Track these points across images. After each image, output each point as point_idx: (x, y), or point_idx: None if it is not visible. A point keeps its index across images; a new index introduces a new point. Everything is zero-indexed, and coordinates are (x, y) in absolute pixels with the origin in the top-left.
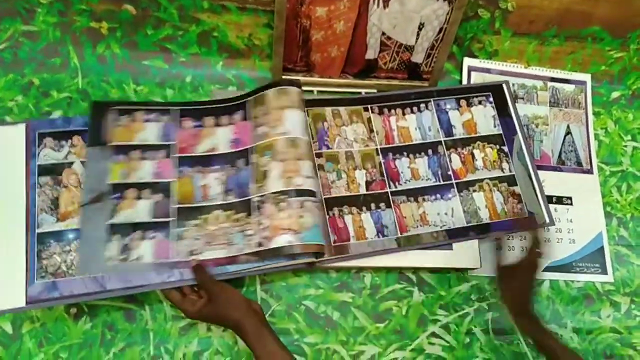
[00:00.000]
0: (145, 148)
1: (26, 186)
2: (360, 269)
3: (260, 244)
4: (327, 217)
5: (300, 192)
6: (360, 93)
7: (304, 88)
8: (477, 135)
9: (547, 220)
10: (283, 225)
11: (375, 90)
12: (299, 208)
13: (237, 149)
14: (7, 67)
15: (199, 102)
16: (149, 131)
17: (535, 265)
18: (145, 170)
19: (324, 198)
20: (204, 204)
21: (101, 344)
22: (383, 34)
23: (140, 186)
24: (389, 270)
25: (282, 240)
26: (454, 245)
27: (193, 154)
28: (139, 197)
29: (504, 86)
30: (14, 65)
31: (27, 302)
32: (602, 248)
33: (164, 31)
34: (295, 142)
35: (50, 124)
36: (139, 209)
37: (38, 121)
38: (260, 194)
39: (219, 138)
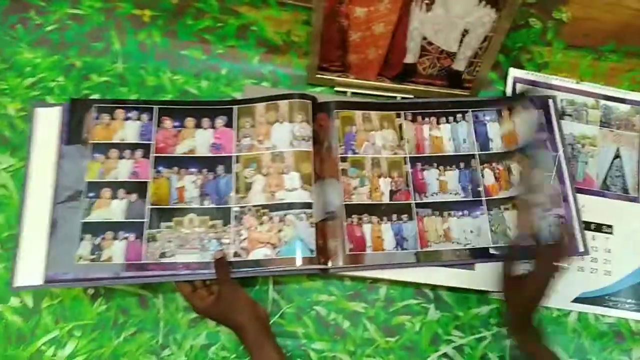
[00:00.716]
0: (123, 147)
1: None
2: (376, 280)
3: (236, 254)
4: (345, 223)
5: (283, 206)
6: (395, 97)
7: (338, 89)
8: (518, 147)
9: (581, 249)
10: (262, 239)
11: (412, 96)
12: (279, 222)
13: (218, 155)
14: (53, 48)
15: (181, 101)
16: (128, 130)
17: (546, 280)
18: (123, 169)
19: (344, 204)
20: (179, 207)
21: (113, 326)
22: (424, 38)
23: (116, 185)
24: (405, 284)
25: (259, 253)
26: (477, 265)
27: (171, 155)
28: (114, 197)
29: (550, 101)
30: (60, 47)
31: (45, 281)
32: None
33: (204, 22)
34: (281, 155)
35: None
36: (113, 209)
37: None
38: (241, 205)
39: (199, 140)
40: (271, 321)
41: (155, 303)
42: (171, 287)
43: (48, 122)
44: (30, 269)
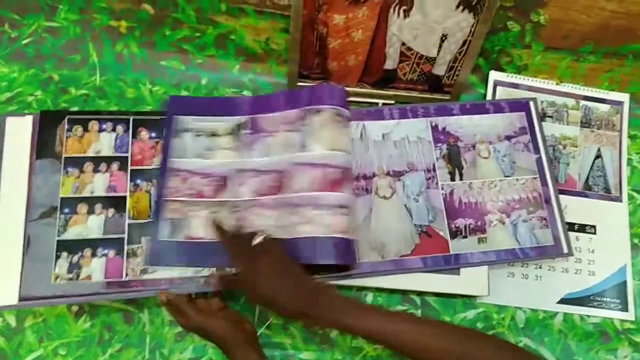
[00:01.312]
0: (99, 160)
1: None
2: (363, 288)
3: None
4: None
5: None
6: (377, 104)
7: None
8: None
9: (566, 251)
10: None
11: (393, 102)
12: None
13: None
14: (29, 61)
15: (156, 112)
16: (103, 142)
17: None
18: (99, 183)
19: None
20: None
21: (99, 343)
22: (403, 44)
23: (92, 200)
24: (392, 291)
25: None
26: (462, 270)
27: (149, 167)
28: (90, 212)
29: (531, 103)
30: (36, 60)
31: (20, 300)
32: (624, 283)
33: (182, 32)
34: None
35: None
36: (90, 225)
37: None
38: None
39: None
40: (258, 333)
41: (140, 318)
42: (156, 301)
43: (19, 134)
44: (4, 288)
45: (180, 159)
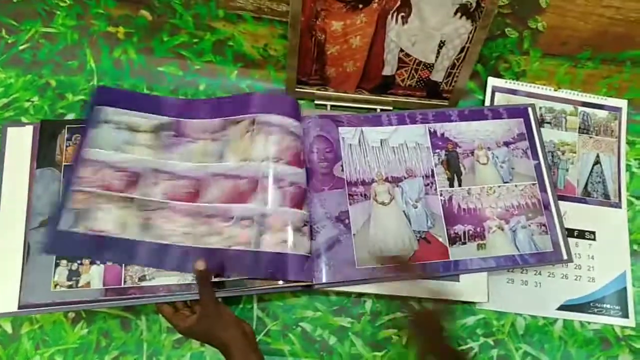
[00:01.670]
0: None
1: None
2: (361, 294)
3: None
4: None
5: None
6: (375, 110)
7: (318, 102)
8: None
9: (565, 257)
10: None
11: (391, 108)
12: None
13: None
14: (26, 67)
15: None
16: None
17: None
18: None
19: None
20: None
21: (96, 350)
22: (401, 50)
23: None
24: (391, 297)
25: None
26: (461, 276)
27: None
28: None
29: (530, 109)
30: (32, 66)
31: (19, 307)
32: (624, 289)
33: (180, 38)
34: None
35: None
36: None
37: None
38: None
39: None
40: (256, 339)
41: (137, 325)
42: (153, 308)
43: (20, 143)
44: (4, 295)
45: (95, 150)
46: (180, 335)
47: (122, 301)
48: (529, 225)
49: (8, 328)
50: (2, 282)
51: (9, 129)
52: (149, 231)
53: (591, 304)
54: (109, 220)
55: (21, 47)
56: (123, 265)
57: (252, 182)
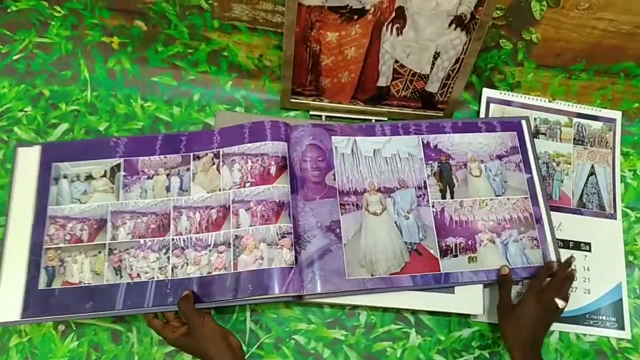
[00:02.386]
0: None
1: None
2: (356, 306)
3: None
4: None
5: None
6: (370, 120)
7: (313, 113)
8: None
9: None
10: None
11: (386, 118)
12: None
13: None
14: (19, 77)
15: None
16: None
17: (542, 313)
18: None
19: None
20: None
21: None
22: (396, 61)
23: None
24: (385, 309)
25: None
26: (456, 288)
27: None
28: None
29: (523, 122)
30: (26, 76)
31: (21, 317)
32: (620, 301)
33: (174, 48)
34: None
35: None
36: None
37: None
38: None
39: None
40: (249, 352)
41: (128, 337)
42: (145, 320)
43: (28, 162)
44: (9, 305)
45: (57, 207)
46: (171, 349)
47: (112, 311)
48: (521, 239)
49: None
50: (7, 292)
51: (19, 149)
52: (123, 272)
53: (587, 316)
54: (84, 270)
55: (15, 57)
56: None
57: (222, 210)
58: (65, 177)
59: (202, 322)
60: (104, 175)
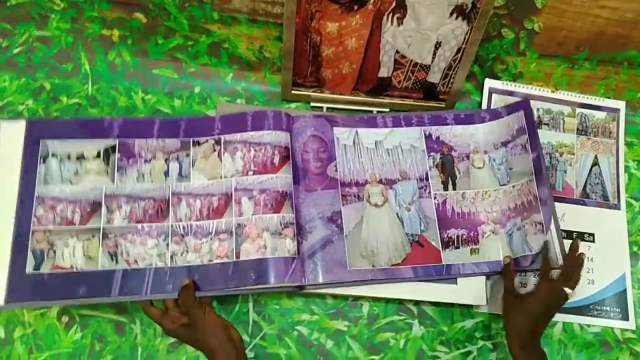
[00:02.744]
0: None
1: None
2: (358, 297)
3: None
4: None
5: None
6: (372, 112)
7: (314, 104)
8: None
9: (561, 262)
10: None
11: (387, 110)
12: None
13: None
14: (20, 71)
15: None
16: None
17: (549, 302)
18: None
19: None
20: None
21: (90, 354)
22: (397, 52)
23: None
24: (388, 300)
25: None
26: (459, 279)
27: None
28: None
29: (531, 102)
30: (27, 69)
31: (5, 302)
32: (624, 291)
33: (175, 41)
34: None
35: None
36: None
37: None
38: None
39: None
40: (252, 343)
41: (132, 329)
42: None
43: (12, 138)
44: None
45: (45, 186)
46: (174, 340)
47: (108, 298)
48: (524, 226)
49: (1, 332)
50: None
51: (2, 123)
52: (119, 258)
53: (591, 307)
54: (76, 255)
55: (15, 51)
56: None
57: (224, 198)
58: (54, 155)
59: (203, 314)
60: (98, 157)
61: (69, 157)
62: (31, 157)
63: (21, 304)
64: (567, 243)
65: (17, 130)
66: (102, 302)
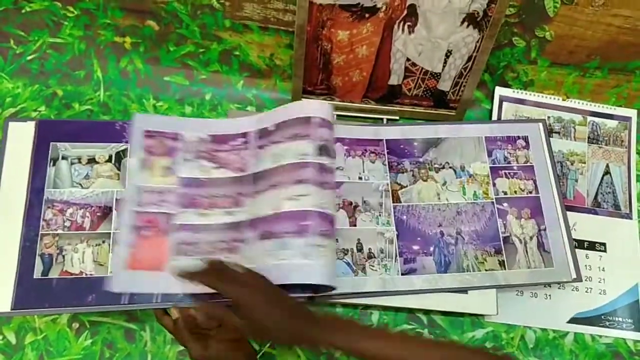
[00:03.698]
0: None
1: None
2: (368, 306)
3: None
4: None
5: None
6: (382, 120)
7: None
8: None
9: (574, 276)
10: None
11: (397, 117)
12: None
13: None
14: (33, 77)
15: None
16: None
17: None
18: None
19: None
20: None
21: None
22: (408, 60)
23: None
24: (398, 309)
25: None
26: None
27: None
28: None
29: (541, 126)
30: (40, 76)
31: (12, 308)
32: (637, 302)
33: (186, 48)
34: None
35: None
36: None
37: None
38: None
39: None
40: (262, 351)
41: (142, 336)
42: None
43: (21, 139)
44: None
45: (55, 190)
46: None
47: (117, 306)
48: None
49: (12, 338)
50: None
51: (10, 123)
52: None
53: (602, 317)
54: (85, 260)
55: (29, 58)
56: None
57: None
58: (64, 158)
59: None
60: (109, 160)
61: (79, 160)
62: (40, 159)
63: (28, 311)
64: (580, 253)
65: (26, 131)
66: (111, 310)
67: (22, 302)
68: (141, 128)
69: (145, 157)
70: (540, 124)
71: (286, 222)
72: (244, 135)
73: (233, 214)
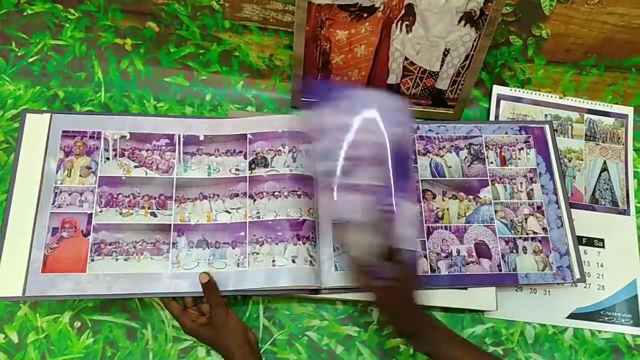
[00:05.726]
0: None
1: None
2: (371, 302)
3: None
4: None
5: None
6: None
7: None
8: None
9: (578, 276)
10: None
11: None
12: None
13: None
14: (35, 79)
15: None
16: None
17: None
18: None
19: None
20: None
21: (101, 359)
22: (406, 59)
23: None
24: None
25: None
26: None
27: None
28: None
29: (547, 128)
30: (41, 78)
31: (24, 293)
32: (635, 297)
33: (186, 49)
34: None
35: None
36: None
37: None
38: None
39: None
40: (263, 349)
41: (143, 334)
42: (160, 317)
43: (37, 130)
44: (10, 280)
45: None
46: (186, 345)
47: (129, 294)
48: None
49: (14, 337)
50: (9, 267)
51: (27, 115)
52: None
53: (601, 312)
54: None
55: (30, 59)
56: None
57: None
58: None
59: (227, 315)
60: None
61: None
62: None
63: (39, 297)
64: (580, 248)
65: (41, 122)
66: (123, 297)
67: (32, 288)
68: (59, 128)
69: (63, 158)
70: (547, 126)
71: (222, 232)
72: (169, 137)
73: (157, 216)
